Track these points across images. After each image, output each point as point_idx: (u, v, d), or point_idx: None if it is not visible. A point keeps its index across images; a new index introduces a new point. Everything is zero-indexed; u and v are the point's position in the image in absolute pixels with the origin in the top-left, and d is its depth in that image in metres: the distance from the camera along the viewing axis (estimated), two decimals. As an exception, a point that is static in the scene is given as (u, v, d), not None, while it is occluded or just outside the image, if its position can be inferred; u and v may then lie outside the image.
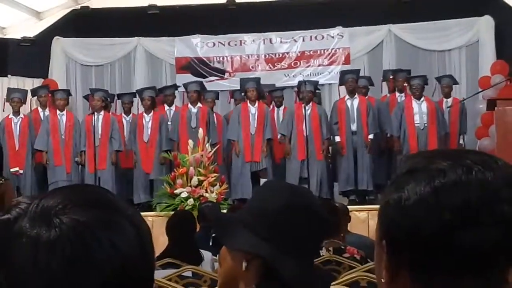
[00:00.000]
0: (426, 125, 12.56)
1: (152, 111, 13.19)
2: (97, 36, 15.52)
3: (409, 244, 1.20)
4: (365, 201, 12.56)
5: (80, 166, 13.10)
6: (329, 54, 15.20)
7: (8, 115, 13.26)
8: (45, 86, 14.04)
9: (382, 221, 1.26)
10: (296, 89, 13.38)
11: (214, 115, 13.46)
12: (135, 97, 13.89)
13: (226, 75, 15.33)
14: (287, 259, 2.12)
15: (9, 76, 15.03)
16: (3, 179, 5.98)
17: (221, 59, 15.43)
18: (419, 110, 12.61)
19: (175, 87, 13.93)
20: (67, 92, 13.67)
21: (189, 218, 6.81)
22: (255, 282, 2.16)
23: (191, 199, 11.54)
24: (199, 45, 15.43)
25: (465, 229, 1.17)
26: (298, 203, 2.20)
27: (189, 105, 13.09)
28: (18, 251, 1.11)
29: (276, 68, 15.31)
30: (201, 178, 11.76)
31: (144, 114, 13.22)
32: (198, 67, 15.32)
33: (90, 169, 12.77)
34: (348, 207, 8.05)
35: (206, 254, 6.28)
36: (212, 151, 12.15)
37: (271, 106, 13.51)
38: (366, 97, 13.15)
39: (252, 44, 15.39)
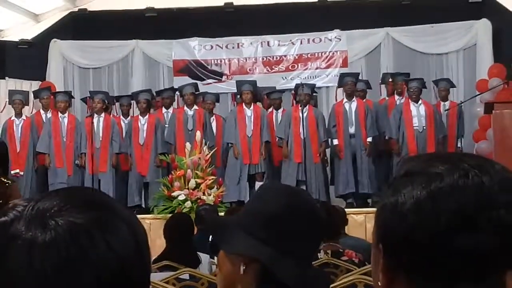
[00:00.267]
0: (424, 128, 12.56)
1: (148, 114, 13.18)
2: (95, 38, 15.52)
3: (406, 248, 1.20)
4: (364, 204, 12.56)
5: (80, 168, 13.07)
6: (326, 57, 15.21)
7: (11, 117, 13.26)
8: (47, 88, 14.01)
9: (379, 224, 1.26)
10: (293, 92, 13.37)
11: (214, 117, 13.46)
12: (133, 99, 13.88)
13: (224, 77, 15.34)
14: (285, 261, 2.12)
15: (6, 78, 15.03)
16: (9, 181, 5.95)
17: (218, 61, 15.44)
18: (418, 113, 12.61)
19: (172, 89, 13.90)
20: (69, 95, 13.65)
21: (186, 220, 6.81)
22: (253, 285, 2.15)
23: (189, 202, 11.54)
24: (196, 48, 15.43)
25: (462, 234, 1.17)
26: (296, 205, 2.20)
27: (185, 107, 13.07)
28: (13, 253, 1.11)
29: (273, 71, 15.32)
30: (199, 180, 11.77)
31: (140, 116, 13.19)
32: (195, 69, 15.32)
33: (90, 171, 12.77)
34: (346, 209, 8.05)
35: (204, 257, 6.28)
36: (210, 154, 12.15)
37: (270, 109, 13.50)
38: (364, 100, 13.16)
39: (249, 47, 15.40)
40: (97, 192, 1.23)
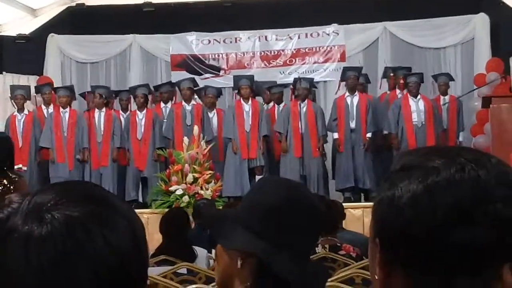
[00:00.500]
0: (423, 122, 12.54)
1: (145, 109, 13.17)
2: (92, 33, 15.51)
3: (403, 242, 1.20)
4: (363, 199, 12.59)
5: (82, 163, 13.05)
6: (324, 51, 15.20)
7: (13, 113, 13.26)
8: (48, 83, 13.99)
9: (376, 218, 1.26)
10: (291, 86, 13.36)
11: (216, 111, 13.46)
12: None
13: (221, 72, 15.33)
14: (283, 256, 2.12)
15: (4, 73, 15.01)
16: (17, 176, 5.93)
17: (216, 56, 15.43)
18: (417, 107, 12.59)
19: (170, 84, 13.88)
20: (70, 89, 13.63)
21: (182, 215, 6.81)
22: (250, 279, 2.15)
23: (186, 196, 11.55)
24: (194, 42, 15.42)
25: (458, 228, 1.17)
26: (295, 198, 2.19)
27: (183, 102, 13.07)
28: (10, 247, 1.11)
29: (271, 65, 15.30)
30: (196, 175, 11.77)
31: (138, 111, 13.18)
32: (193, 64, 15.32)
33: (94, 166, 12.80)
34: (343, 204, 8.07)
35: (200, 251, 6.29)
36: (208, 148, 12.15)
37: (271, 104, 13.50)
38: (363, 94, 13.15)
39: (247, 41, 15.39)
40: (94, 186, 1.23)
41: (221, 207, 9.93)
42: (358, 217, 11.21)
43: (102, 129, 12.95)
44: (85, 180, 11.46)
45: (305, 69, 15.13)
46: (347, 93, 12.95)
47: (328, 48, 15.18)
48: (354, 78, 12.97)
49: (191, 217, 7.50)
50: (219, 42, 15.44)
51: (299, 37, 15.29)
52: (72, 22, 15.81)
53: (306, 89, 12.82)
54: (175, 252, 5.93)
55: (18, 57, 15.15)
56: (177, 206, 10.95)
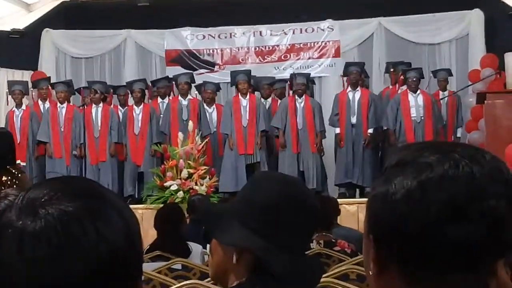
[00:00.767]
0: (422, 118, 12.51)
1: (142, 104, 13.17)
2: (87, 28, 15.48)
3: (396, 238, 1.20)
4: (358, 194, 12.61)
5: (78, 159, 13.02)
6: (319, 47, 15.20)
7: (12, 108, 13.23)
8: (46, 78, 13.97)
9: (370, 214, 1.26)
10: (288, 82, 13.36)
11: (215, 106, 13.46)
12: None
13: (216, 67, 15.32)
14: (278, 251, 2.12)
15: (-2, 68, 15.00)
16: (20, 173, 5.90)
17: (211, 51, 15.42)
18: (415, 103, 12.57)
19: (167, 79, 13.86)
20: (68, 84, 13.61)
21: (177, 210, 6.80)
22: (246, 275, 2.16)
23: (181, 192, 11.54)
24: (189, 38, 15.41)
25: (452, 224, 1.17)
26: (290, 194, 2.19)
27: (180, 97, 13.07)
28: (4, 242, 1.11)
29: (266, 61, 15.30)
30: (191, 170, 11.76)
31: (134, 106, 13.17)
32: (188, 59, 15.30)
33: (92, 161, 12.81)
34: (338, 200, 8.06)
35: (195, 247, 6.28)
36: (203, 144, 12.14)
37: (269, 99, 13.50)
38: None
39: (242, 36, 15.38)
40: (89, 181, 1.23)
41: (216, 203, 9.92)
42: (353, 212, 11.21)
43: (100, 124, 12.93)
44: (80, 176, 11.49)
45: (299, 64, 15.14)
46: (349, 88, 12.92)
47: (323, 44, 15.18)
48: (357, 73, 12.92)
49: (186, 213, 7.49)
50: (214, 38, 15.43)
51: (293, 33, 15.28)
52: (66, 17, 15.78)
53: (304, 85, 12.81)
54: (169, 247, 5.93)
55: (12, 52, 15.11)
56: (172, 202, 10.94)
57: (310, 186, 12.15)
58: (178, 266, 5.34)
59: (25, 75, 14.74)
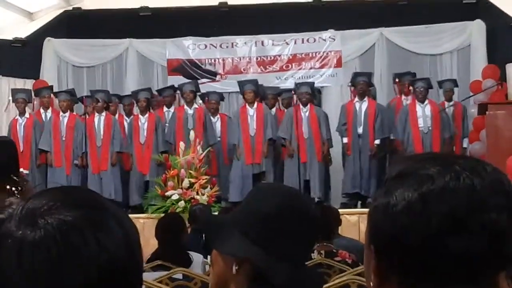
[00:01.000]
0: (430, 128, 12.51)
1: (148, 113, 13.18)
2: (89, 37, 15.49)
3: (397, 250, 1.20)
4: (359, 205, 12.58)
5: (80, 168, 13.00)
6: (320, 57, 15.20)
7: (15, 117, 13.23)
8: (48, 87, 13.99)
9: (371, 225, 1.26)
10: (293, 92, 13.35)
11: (219, 115, 13.47)
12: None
13: (218, 77, 15.32)
14: (278, 262, 2.11)
15: (0, 76, 14.99)
16: (23, 181, 5.88)
17: (212, 61, 15.42)
18: (423, 113, 12.56)
19: (173, 88, 13.87)
20: (71, 93, 13.61)
21: (177, 220, 6.80)
22: (246, 285, 2.15)
23: (182, 201, 11.54)
24: (191, 47, 15.41)
25: (453, 236, 1.17)
26: (291, 205, 2.19)
27: (185, 106, 13.07)
28: (3, 252, 1.11)
29: (267, 70, 15.30)
30: (192, 180, 11.76)
31: (140, 115, 13.19)
32: (189, 69, 15.30)
33: (94, 170, 12.77)
34: (339, 210, 8.05)
35: (196, 256, 6.28)
36: (204, 153, 12.13)
37: (274, 108, 13.50)
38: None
39: (244, 46, 15.38)
40: (89, 191, 1.23)
41: (216, 213, 9.91)
42: (354, 223, 11.20)
43: (102, 133, 12.92)
44: (81, 185, 11.47)
45: (301, 74, 15.13)
46: (356, 99, 12.91)
47: (325, 54, 15.18)
48: (364, 84, 12.89)
49: (187, 223, 7.49)
50: (216, 47, 15.43)
51: (295, 43, 15.29)
52: (68, 26, 15.79)
53: (308, 94, 12.81)
54: (171, 257, 5.93)
55: (14, 61, 15.12)
56: (173, 211, 10.93)
57: (317, 195, 12.19)
58: (179, 276, 5.33)
59: (27, 84, 14.74)
